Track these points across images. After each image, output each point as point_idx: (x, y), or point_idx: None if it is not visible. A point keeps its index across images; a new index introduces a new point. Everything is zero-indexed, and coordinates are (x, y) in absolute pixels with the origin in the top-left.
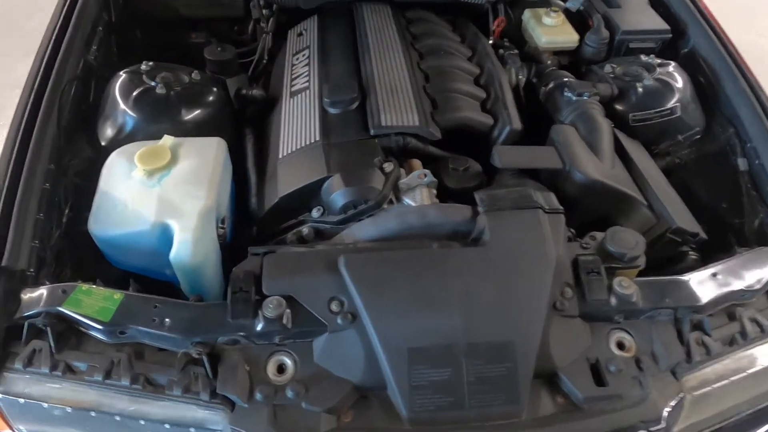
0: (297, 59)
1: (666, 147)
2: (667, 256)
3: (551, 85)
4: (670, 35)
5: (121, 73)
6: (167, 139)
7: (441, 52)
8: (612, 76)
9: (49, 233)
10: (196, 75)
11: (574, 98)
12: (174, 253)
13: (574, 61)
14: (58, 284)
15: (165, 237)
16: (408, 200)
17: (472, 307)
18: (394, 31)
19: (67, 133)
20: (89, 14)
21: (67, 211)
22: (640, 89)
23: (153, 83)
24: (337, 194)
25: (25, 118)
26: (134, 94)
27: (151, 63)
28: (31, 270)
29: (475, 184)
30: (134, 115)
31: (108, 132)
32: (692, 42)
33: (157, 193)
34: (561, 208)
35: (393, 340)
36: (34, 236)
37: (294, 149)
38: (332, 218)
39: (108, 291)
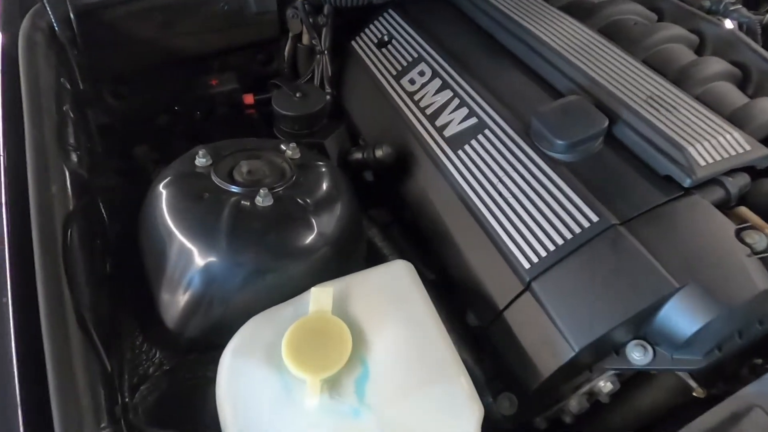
0: (411, 82)
1: None
2: None
3: None
4: None
5: (162, 187)
6: (321, 295)
7: (633, 24)
8: None
9: None
10: (293, 150)
11: None
12: None
13: None
14: None
15: None
16: None
17: None
18: (545, 6)
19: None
20: (46, 89)
21: None
22: None
23: (237, 189)
24: (713, 319)
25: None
26: (225, 222)
27: (201, 149)
28: None
29: None
30: (233, 260)
31: (182, 308)
32: None
33: (374, 425)
34: None
35: None
36: None
37: (549, 249)
38: (696, 359)
39: None
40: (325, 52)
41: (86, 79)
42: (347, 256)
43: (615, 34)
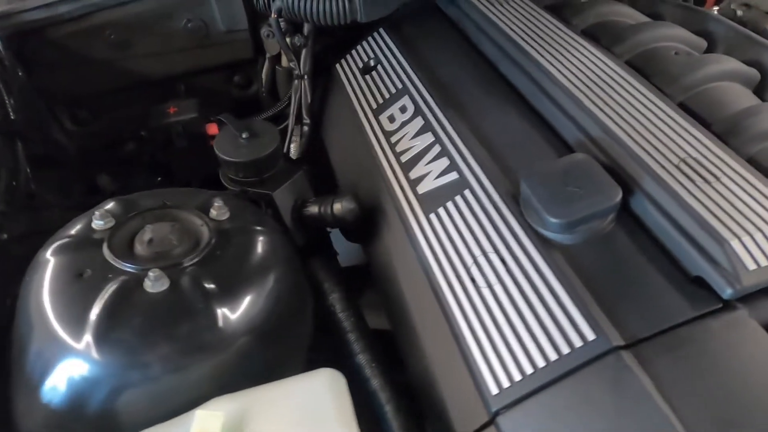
0: (390, 119)
1: None
2: None
3: None
4: None
5: (48, 254)
6: (207, 422)
7: (673, 54)
8: None
9: None
10: (219, 210)
11: None
12: None
13: None
14: None
15: None
16: None
17: None
18: (564, 31)
19: None
20: None
21: None
22: None
23: (129, 266)
24: None
25: None
26: (96, 312)
27: (110, 204)
28: None
29: None
30: (102, 363)
31: (40, 420)
32: None
33: None
34: None
35: None
36: None
37: (525, 372)
38: None
39: None
40: (305, 76)
41: (22, 107)
42: (279, 346)
43: (649, 66)
